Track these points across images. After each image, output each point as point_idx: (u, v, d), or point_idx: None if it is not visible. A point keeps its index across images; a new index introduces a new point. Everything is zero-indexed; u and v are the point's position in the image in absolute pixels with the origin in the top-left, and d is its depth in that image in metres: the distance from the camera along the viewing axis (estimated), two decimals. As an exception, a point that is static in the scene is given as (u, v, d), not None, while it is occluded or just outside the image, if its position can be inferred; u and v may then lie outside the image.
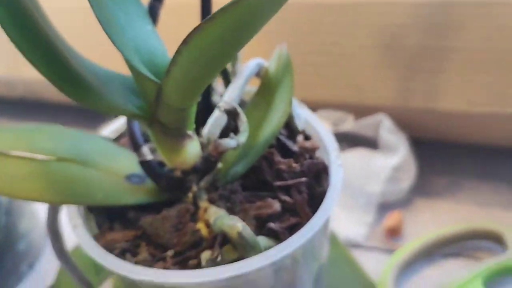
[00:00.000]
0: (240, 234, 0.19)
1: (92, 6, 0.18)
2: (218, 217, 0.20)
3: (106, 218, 0.23)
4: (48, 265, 0.36)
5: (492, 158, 0.37)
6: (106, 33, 0.19)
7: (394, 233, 0.33)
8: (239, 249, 0.19)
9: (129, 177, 0.23)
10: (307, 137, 0.25)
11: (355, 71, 0.35)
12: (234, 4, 0.15)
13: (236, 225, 0.19)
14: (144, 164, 0.23)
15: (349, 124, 0.36)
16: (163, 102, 0.19)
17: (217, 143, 0.22)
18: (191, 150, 0.22)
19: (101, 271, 0.31)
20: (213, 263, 0.19)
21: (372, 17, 0.34)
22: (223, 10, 0.15)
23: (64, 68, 0.19)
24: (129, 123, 0.24)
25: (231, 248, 0.19)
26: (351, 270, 0.31)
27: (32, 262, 0.36)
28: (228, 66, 0.26)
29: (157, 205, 0.23)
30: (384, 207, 0.35)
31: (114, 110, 0.21)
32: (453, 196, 0.36)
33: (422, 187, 0.36)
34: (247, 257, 0.19)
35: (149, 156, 0.23)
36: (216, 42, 0.17)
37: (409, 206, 0.35)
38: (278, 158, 0.23)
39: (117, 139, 0.27)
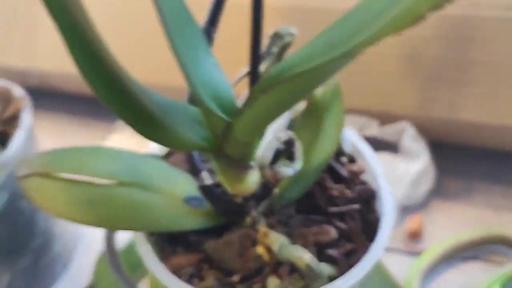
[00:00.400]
0: (308, 266, 0.20)
1: (171, 41, 0.18)
2: (282, 245, 0.22)
3: (167, 242, 0.24)
4: (81, 266, 0.37)
5: (504, 162, 0.39)
6: (183, 70, 0.19)
7: (415, 235, 0.35)
8: (306, 278, 0.21)
9: (188, 200, 0.24)
10: (352, 159, 0.26)
11: (381, 79, 0.36)
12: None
13: (304, 257, 0.21)
14: (205, 189, 0.24)
15: (374, 130, 0.38)
16: (232, 137, 0.20)
17: (275, 171, 0.23)
18: (253, 179, 0.23)
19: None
20: (283, 292, 0.21)
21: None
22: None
23: (136, 108, 0.20)
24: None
25: (298, 277, 0.21)
26: (378, 272, 0.33)
27: (66, 263, 0.37)
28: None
29: (215, 228, 0.24)
30: (404, 210, 0.37)
31: (183, 145, 0.21)
32: (467, 198, 0.38)
33: (439, 190, 0.38)
34: (313, 287, 0.21)
35: (208, 181, 0.24)
36: (289, 95, 0.18)
37: (427, 208, 0.37)
38: (330, 183, 0.24)
39: (166, 157, 0.28)
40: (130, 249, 0.34)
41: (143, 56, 0.43)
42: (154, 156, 0.27)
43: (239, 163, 0.22)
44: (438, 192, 0.38)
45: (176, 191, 0.24)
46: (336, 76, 0.37)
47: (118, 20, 0.44)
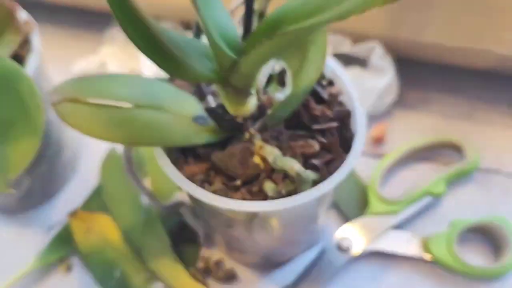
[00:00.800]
0: (297, 173, 0.26)
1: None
2: (276, 156, 0.27)
3: (180, 154, 0.29)
4: (87, 169, 0.42)
5: (456, 76, 0.45)
6: (198, 13, 0.23)
7: (379, 141, 0.41)
8: (296, 183, 0.26)
9: (196, 119, 0.28)
10: (331, 82, 0.31)
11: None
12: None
13: (294, 166, 0.26)
14: (211, 110, 0.28)
15: (346, 47, 0.42)
16: (237, 71, 0.24)
17: (269, 96, 0.27)
18: (251, 103, 0.27)
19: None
20: (277, 194, 0.26)
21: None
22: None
23: (156, 45, 0.23)
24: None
25: (289, 182, 0.26)
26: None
27: (75, 167, 0.42)
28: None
29: (219, 142, 0.28)
30: (370, 119, 0.42)
31: (195, 77, 0.25)
32: (424, 108, 0.44)
33: (401, 101, 0.43)
34: (301, 189, 0.26)
35: (213, 104, 0.28)
36: (288, 41, 0.22)
37: (390, 117, 0.43)
38: (313, 105, 0.29)
39: (171, 80, 0.31)
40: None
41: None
42: (162, 80, 0.30)
43: (241, 91, 0.26)
44: (400, 103, 0.44)
45: (185, 111, 0.29)
46: None
47: None
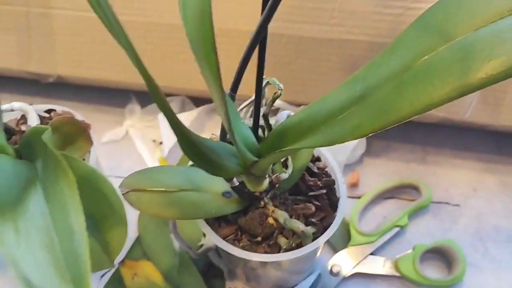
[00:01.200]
0: (303, 231, 0.37)
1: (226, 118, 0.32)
2: (286, 219, 0.37)
3: (215, 220, 0.39)
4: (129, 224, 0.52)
5: (411, 127, 0.56)
6: (229, 127, 0.33)
7: (354, 185, 0.53)
8: (302, 238, 0.37)
9: (224, 194, 0.39)
10: (318, 159, 0.42)
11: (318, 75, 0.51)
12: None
13: (300, 226, 0.37)
14: (236, 188, 0.39)
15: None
16: (257, 167, 0.35)
17: (278, 176, 0.38)
18: (265, 183, 0.38)
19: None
20: (289, 246, 0.37)
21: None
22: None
23: (202, 155, 0.34)
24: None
25: (297, 238, 0.37)
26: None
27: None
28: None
29: (241, 210, 0.39)
30: (346, 168, 0.54)
31: (226, 172, 0.36)
32: (387, 155, 0.55)
33: (368, 150, 0.55)
34: (305, 243, 0.37)
35: (237, 183, 0.39)
36: (289, 152, 0.33)
37: (361, 165, 0.54)
38: (308, 177, 0.40)
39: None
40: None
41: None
42: (194, 166, 0.41)
43: (260, 178, 0.37)
44: (368, 153, 0.55)
45: (216, 189, 0.39)
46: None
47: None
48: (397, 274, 0.46)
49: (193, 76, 0.54)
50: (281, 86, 0.39)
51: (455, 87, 0.23)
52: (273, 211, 0.38)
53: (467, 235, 0.49)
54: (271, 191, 0.39)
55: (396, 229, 0.49)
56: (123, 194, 0.37)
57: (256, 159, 0.34)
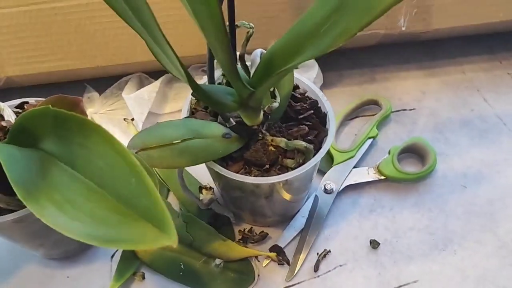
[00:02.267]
0: (305, 147, 0.39)
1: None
2: (287, 142, 0.40)
3: (221, 161, 0.41)
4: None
5: (358, 54, 0.61)
6: (232, 71, 0.35)
7: (322, 114, 0.56)
8: (306, 153, 0.40)
9: (224, 135, 0.41)
10: (297, 86, 0.45)
11: (281, 23, 0.54)
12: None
13: (302, 143, 0.39)
14: (234, 127, 0.41)
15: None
16: (255, 98, 0.37)
17: (270, 106, 0.41)
18: (261, 115, 0.40)
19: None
20: (297, 164, 0.40)
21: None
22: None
23: (207, 97, 0.36)
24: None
25: (301, 155, 0.40)
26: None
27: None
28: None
29: (243, 146, 0.41)
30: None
31: (225, 107, 0.38)
32: (341, 83, 0.60)
33: (325, 83, 0.59)
34: (309, 157, 0.40)
35: (233, 122, 0.41)
36: (280, 77, 0.36)
37: (323, 95, 0.58)
38: (293, 104, 0.43)
39: (192, 116, 0.43)
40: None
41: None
42: (190, 118, 0.42)
43: (255, 109, 0.39)
44: (325, 83, 0.59)
45: (215, 133, 0.41)
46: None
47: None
48: (382, 177, 0.51)
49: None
50: (252, 25, 0.41)
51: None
52: (272, 140, 0.41)
53: (428, 131, 0.55)
54: (266, 123, 0.42)
55: (370, 141, 0.53)
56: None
57: (252, 89, 0.37)
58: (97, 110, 0.58)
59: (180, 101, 0.59)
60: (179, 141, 0.39)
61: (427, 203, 0.50)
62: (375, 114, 0.55)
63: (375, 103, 0.56)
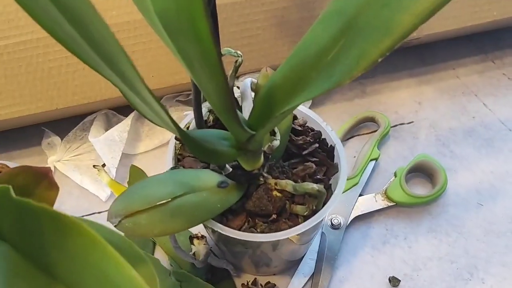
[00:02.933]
0: (317, 190, 0.33)
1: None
2: (293, 185, 0.34)
3: (220, 217, 0.34)
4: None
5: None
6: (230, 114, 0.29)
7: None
8: (318, 197, 0.34)
9: (219, 185, 0.34)
10: (295, 117, 0.39)
11: (263, 43, 0.48)
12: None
13: (313, 186, 0.33)
14: (230, 174, 0.34)
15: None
16: (255, 141, 0.31)
17: (270, 146, 0.35)
18: (261, 157, 0.34)
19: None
20: (310, 211, 0.34)
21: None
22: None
23: (200, 146, 0.29)
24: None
25: (313, 199, 0.34)
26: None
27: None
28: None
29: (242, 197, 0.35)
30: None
31: (222, 157, 0.31)
32: (330, 100, 0.54)
33: (313, 103, 0.53)
34: (321, 201, 0.34)
35: (230, 169, 0.35)
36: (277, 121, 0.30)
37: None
38: (295, 138, 0.37)
39: (178, 166, 0.36)
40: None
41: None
42: (176, 169, 0.36)
43: (255, 152, 0.33)
44: (313, 103, 0.53)
45: (208, 184, 0.34)
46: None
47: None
48: (391, 203, 0.46)
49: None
50: (239, 53, 0.35)
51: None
52: (275, 183, 0.35)
53: (431, 145, 0.50)
54: (266, 164, 0.35)
55: (372, 163, 0.48)
56: (115, 226, 0.30)
57: (253, 132, 0.30)
58: (60, 157, 0.51)
59: (155, 138, 0.52)
60: (169, 199, 0.32)
61: (443, 226, 0.45)
62: (373, 132, 0.50)
63: (371, 120, 0.51)
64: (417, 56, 0.57)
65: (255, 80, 0.37)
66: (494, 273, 0.42)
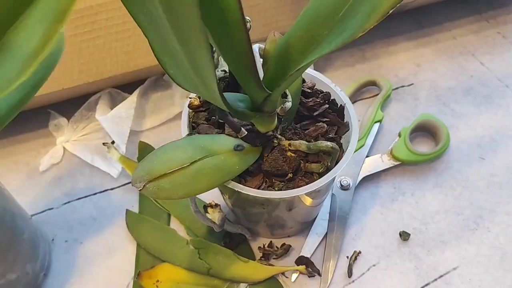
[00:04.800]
0: (332, 147, 0.35)
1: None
2: (307, 144, 0.36)
3: (238, 179, 0.36)
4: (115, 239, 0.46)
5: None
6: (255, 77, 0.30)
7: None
8: (333, 154, 0.36)
9: (236, 148, 0.36)
10: (303, 81, 0.41)
11: (269, 13, 0.49)
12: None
13: (327, 143, 0.35)
14: (246, 136, 0.36)
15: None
16: (271, 101, 0.33)
17: (283, 107, 0.36)
18: (276, 119, 0.36)
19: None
20: (325, 168, 0.35)
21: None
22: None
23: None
24: (229, 118, 0.35)
25: (327, 156, 0.36)
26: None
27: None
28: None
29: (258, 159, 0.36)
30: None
31: (241, 113, 0.33)
32: (331, 66, 0.56)
33: (314, 68, 0.55)
34: (334, 158, 0.36)
35: (245, 132, 0.36)
36: (292, 79, 0.31)
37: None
38: (305, 100, 0.38)
39: (194, 132, 0.38)
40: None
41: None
42: (193, 135, 0.37)
43: (270, 114, 0.34)
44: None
45: (225, 147, 0.36)
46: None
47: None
48: (397, 162, 0.48)
49: (119, 59, 0.48)
50: (248, 18, 0.36)
51: None
52: (289, 144, 0.36)
53: (432, 105, 0.52)
54: (279, 126, 0.37)
55: (376, 125, 0.50)
56: (140, 190, 0.32)
57: (269, 92, 0.32)
58: (68, 137, 0.52)
59: (161, 114, 0.53)
60: (189, 163, 0.34)
61: (447, 181, 0.47)
62: (375, 96, 0.52)
63: (373, 84, 0.53)
64: (413, 20, 0.59)
65: (262, 46, 0.38)
66: (499, 221, 0.44)
